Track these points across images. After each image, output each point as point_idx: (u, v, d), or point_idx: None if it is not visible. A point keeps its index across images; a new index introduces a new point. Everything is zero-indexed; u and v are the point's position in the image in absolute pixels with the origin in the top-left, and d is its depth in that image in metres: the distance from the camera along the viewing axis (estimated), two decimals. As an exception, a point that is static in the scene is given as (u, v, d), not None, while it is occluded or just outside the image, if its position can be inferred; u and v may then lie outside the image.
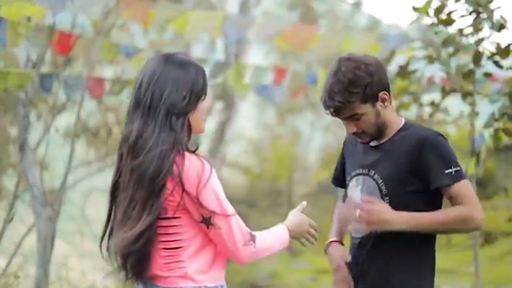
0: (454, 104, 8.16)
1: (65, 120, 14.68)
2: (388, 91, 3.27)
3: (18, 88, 8.24)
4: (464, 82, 7.53)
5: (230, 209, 2.83)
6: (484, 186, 14.55)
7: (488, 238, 13.00)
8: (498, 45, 6.58)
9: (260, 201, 17.39)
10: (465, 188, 3.18)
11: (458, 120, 8.53)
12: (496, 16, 6.73)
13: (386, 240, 3.19)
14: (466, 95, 7.57)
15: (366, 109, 3.20)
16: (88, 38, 8.35)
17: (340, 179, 3.54)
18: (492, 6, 6.78)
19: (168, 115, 2.81)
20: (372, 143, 3.33)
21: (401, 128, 3.31)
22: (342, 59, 3.24)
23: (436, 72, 8.33)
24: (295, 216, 3.10)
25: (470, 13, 6.91)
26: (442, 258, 13.61)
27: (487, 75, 7.46)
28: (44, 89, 9.17)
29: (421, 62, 7.94)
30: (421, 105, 8.38)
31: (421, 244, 3.24)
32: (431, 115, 8.25)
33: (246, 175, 21.82)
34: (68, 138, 14.44)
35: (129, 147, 2.81)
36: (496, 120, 6.87)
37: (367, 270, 3.27)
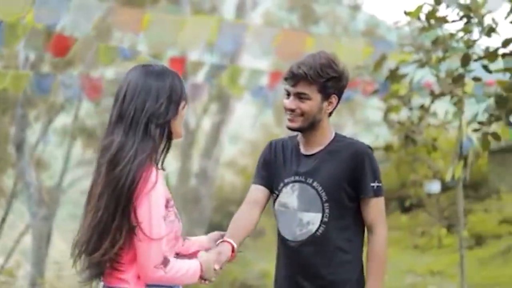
0: (443, 107, 8.26)
1: (63, 120, 14.81)
2: (338, 102, 3.46)
3: (15, 89, 8.34)
4: (453, 86, 7.62)
5: (156, 231, 2.87)
6: (476, 188, 14.67)
7: (479, 241, 13.10)
8: (487, 49, 6.63)
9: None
10: (381, 205, 3.47)
11: (447, 123, 8.61)
12: (487, 21, 6.76)
13: (326, 241, 3.40)
14: (455, 98, 7.67)
15: (315, 97, 3.38)
16: (86, 40, 8.43)
17: (265, 179, 3.59)
18: (482, 11, 6.83)
19: (148, 125, 2.93)
20: (305, 152, 3.51)
21: (333, 139, 3.50)
22: (325, 51, 3.46)
23: (426, 76, 8.41)
24: (205, 256, 3.15)
25: (461, 18, 6.94)
26: (432, 260, 13.78)
27: (477, 79, 7.54)
28: (42, 90, 9.27)
29: (412, 66, 8.04)
30: (410, 108, 8.46)
31: (356, 239, 3.47)
32: (420, 119, 8.34)
33: (242, 176, 21.91)
34: (65, 139, 14.58)
35: (109, 159, 2.91)
36: (483, 124, 6.90)
37: (311, 271, 3.43)
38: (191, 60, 9.30)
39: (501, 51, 6.39)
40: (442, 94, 7.91)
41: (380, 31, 26.92)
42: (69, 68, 12.79)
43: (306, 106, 3.38)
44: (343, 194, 3.41)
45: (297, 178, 3.48)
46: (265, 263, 12.64)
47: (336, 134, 3.53)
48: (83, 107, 14.49)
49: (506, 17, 6.12)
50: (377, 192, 3.44)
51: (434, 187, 15.46)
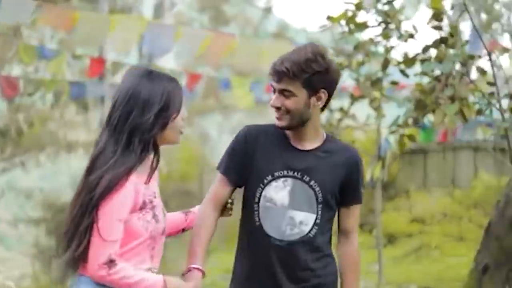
0: (363, 110, 8.51)
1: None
2: (329, 97, 3.27)
3: None
4: (372, 89, 7.87)
5: (108, 233, 2.85)
6: (386, 188, 15.04)
7: (391, 239, 13.44)
8: (406, 55, 6.80)
9: (170, 201, 17.46)
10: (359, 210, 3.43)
11: (366, 126, 8.89)
12: (404, 27, 6.99)
13: (317, 243, 3.28)
14: (373, 101, 7.93)
15: (300, 93, 3.18)
16: (5, 39, 8.29)
17: (238, 173, 3.33)
18: (400, 17, 7.05)
19: (132, 137, 2.89)
20: (298, 146, 3.30)
21: (326, 139, 3.34)
22: (314, 43, 3.26)
23: (346, 79, 8.64)
24: (177, 280, 3.06)
25: (379, 24, 7.15)
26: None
27: (394, 83, 7.81)
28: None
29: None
30: (331, 110, 8.67)
31: (330, 242, 3.40)
32: (339, 121, 8.56)
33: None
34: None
35: (89, 161, 2.92)
36: (401, 126, 7.12)
37: (298, 272, 3.29)
38: (112, 61, 9.26)
39: (420, 56, 6.61)
40: (361, 97, 8.17)
41: (289, 34, 27.28)
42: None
43: (290, 103, 3.18)
44: (333, 198, 3.29)
45: (291, 173, 3.25)
46: (184, 263, 12.60)
47: (325, 132, 3.38)
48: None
49: (428, 23, 6.34)
50: (362, 199, 3.42)
51: (347, 187, 15.79)
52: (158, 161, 3.00)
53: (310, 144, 3.30)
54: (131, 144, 2.88)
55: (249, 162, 3.29)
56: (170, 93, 2.96)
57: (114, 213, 2.86)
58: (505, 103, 6.12)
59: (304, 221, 3.25)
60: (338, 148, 3.33)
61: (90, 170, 2.91)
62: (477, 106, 6.36)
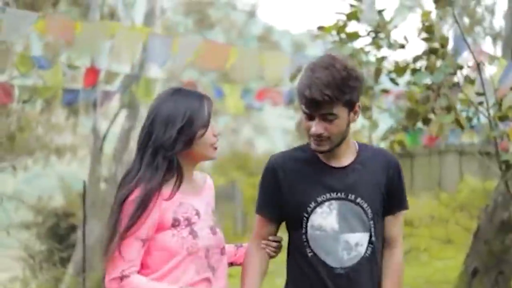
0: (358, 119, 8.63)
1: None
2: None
3: None
4: (363, 97, 8.02)
5: (124, 249, 2.84)
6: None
7: (385, 241, 13.57)
8: (397, 64, 6.88)
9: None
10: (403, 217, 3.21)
11: (357, 133, 9.01)
12: (394, 37, 7.12)
13: (374, 262, 3.09)
14: (364, 109, 8.08)
15: (343, 113, 2.95)
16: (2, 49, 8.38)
17: (277, 209, 3.12)
18: (389, 27, 7.19)
19: (156, 155, 2.91)
20: (334, 164, 3.08)
21: (359, 149, 3.14)
22: (333, 56, 3.01)
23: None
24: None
25: (369, 33, 7.29)
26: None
27: (385, 91, 7.96)
28: None
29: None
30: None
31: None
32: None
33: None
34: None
35: (121, 179, 2.97)
36: (392, 132, 7.24)
37: None
38: (106, 70, 9.36)
39: (411, 66, 6.74)
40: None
41: (273, 36, 27.44)
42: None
43: (335, 127, 2.96)
44: (381, 209, 3.08)
45: (334, 195, 3.03)
46: None
47: (357, 142, 3.18)
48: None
49: (418, 35, 6.49)
50: (408, 204, 3.20)
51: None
52: (181, 180, 2.96)
53: (346, 159, 3.09)
54: (154, 162, 2.90)
55: (284, 195, 3.08)
56: (194, 110, 2.94)
57: (131, 230, 2.85)
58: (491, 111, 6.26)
59: (359, 242, 3.03)
60: (373, 155, 3.13)
61: (119, 187, 2.97)
62: (464, 114, 6.51)
